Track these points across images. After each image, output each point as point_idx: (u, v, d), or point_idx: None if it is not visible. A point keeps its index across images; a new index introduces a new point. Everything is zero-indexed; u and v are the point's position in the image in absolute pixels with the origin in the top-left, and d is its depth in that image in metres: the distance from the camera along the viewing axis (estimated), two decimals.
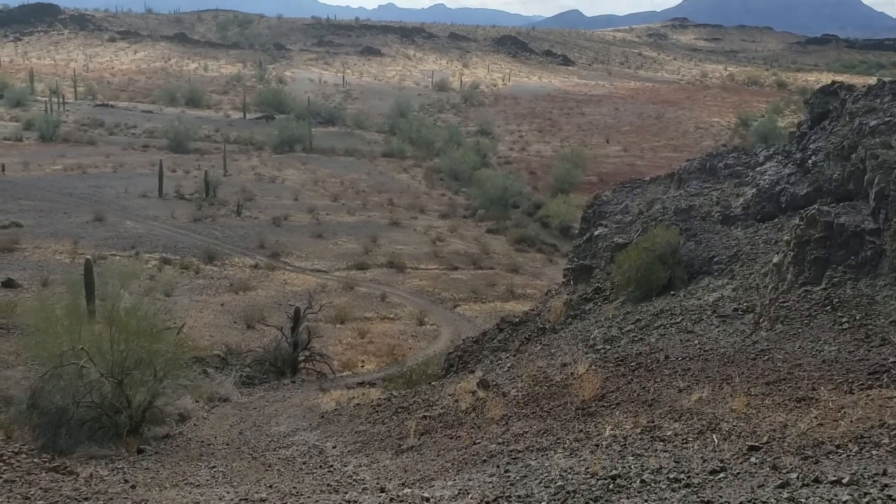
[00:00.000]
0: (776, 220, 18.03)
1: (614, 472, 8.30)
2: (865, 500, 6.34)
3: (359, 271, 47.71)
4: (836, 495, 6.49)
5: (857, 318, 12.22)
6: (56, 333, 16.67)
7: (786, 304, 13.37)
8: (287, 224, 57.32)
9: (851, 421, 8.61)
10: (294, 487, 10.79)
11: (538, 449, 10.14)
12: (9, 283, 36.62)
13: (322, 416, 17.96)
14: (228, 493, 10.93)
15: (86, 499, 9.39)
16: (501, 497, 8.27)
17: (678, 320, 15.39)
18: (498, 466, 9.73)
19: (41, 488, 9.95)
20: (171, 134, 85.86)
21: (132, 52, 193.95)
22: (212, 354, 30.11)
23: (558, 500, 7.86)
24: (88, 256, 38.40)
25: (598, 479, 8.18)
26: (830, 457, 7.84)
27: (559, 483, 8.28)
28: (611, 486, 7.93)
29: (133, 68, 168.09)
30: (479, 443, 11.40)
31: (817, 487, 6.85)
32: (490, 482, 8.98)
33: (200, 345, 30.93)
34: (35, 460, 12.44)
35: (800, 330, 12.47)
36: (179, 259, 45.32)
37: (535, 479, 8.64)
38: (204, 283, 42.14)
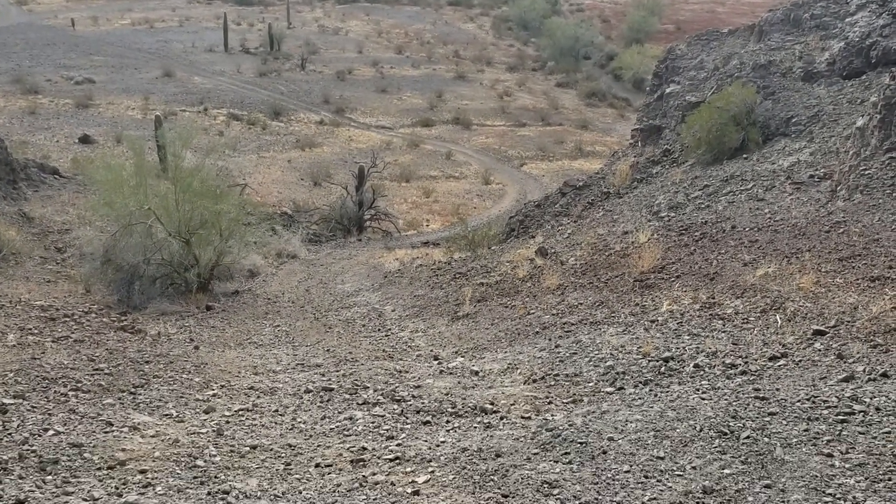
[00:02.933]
0: (864, 77, 16.68)
1: (667, 353, 8.06)
2: None
3: (423, 128, 47.20)
4: None
5: None
6: (123, 193, 16.98)
7: (867, 172, 12.49)
8: (351, 78, 56.55)
9: None
10: (350, 353, 10.97)
11: (591, 322, 9.96)
12: (85, 139, 37.51)
13: (385, 277, 18.16)
14: (287, 355, 11.19)
15: (147, 362, 9.71)
16: (549, 375, 8.18)
17: (749, 186, 14.65)
18: (549, 340, 9.62)
19: (107, 349, 10.34)
20: None
21: None
22: (280, 212, 30.63)
23: (607, 381, 7.72)
24: (158, 113, 38.84)
25: (649, 361, 7.98)
26: None
27: (609, 363, 8.12)
28: (662, 370, 7.72)
29: None
30: (532, 313, 11.29)
31: (884, 383, 6.48)
32: (539, 357, 8.89)
33: (269, 201, 31.50)
34: (105, 319, 12.94)
35: (880, 201, 11.67)
36: (246, 115, 45.48)
37: (585, 357, 8.49)
38: (271, 140, 42.41)
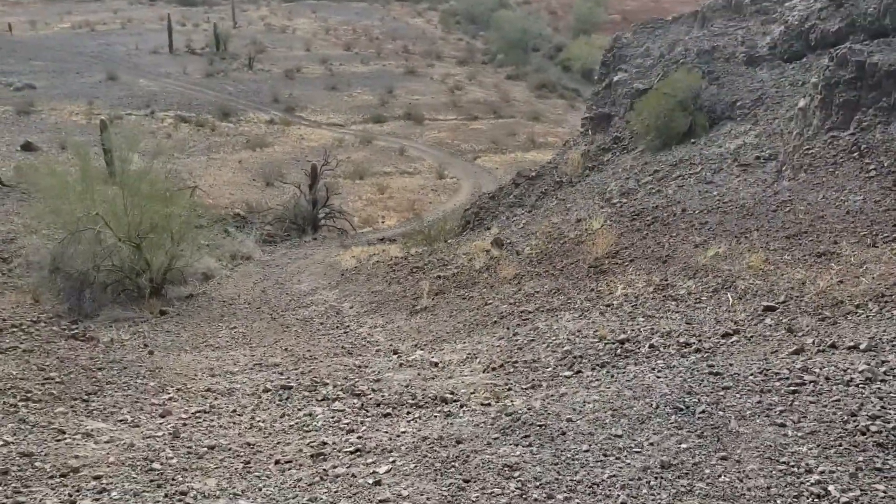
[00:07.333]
0: (804, 59, 17.04)
1: (623, 335, 8.14)
2: (882, 368, 6.11)
3: (376, 124, 46.95)
4: (852, 363, 6.27)
5: (886, 164, 11.61)
6: (69, 199, 16.57)
7: (810, 152, 12.77)
8: (300, 77, 56.01)
9: (873, 277, 8.27)
10: (308, 351, 10.87)
11: (548, 310, 10.02)
12: (28, 147, 36.41)
13: (342, 275, 18.05)
14: (244, 356, 11.05)
15: (100, 368, 9.50)
16: (508, 362, 8.21)
17: (697, 170, 14.87)
18: (507, 328, 9.65)
19: (58, 358, 10.09)
20: None
21: None
22: (233, 213, 30.21)
23: (564, 365, 7.77)
24: (104, 117, 37.94)
25: (605, 344, 8.05)
26: (849, 318, 7.57)
27: (566, 348, 8.18)
28: (618, 352, 7.80)
29: None
30: (490, 303, 11.31)
31: (833, 354, 6.63)
32: (498, 346, 8.92)
33: (220, 203, 31.04)
34: (55, 328, 12.63)
35: (824, 179, 11.94)
36: (195, 116, 44.74)
37: (543, 343, 8.55)
38: (220, 141, 41.78)
